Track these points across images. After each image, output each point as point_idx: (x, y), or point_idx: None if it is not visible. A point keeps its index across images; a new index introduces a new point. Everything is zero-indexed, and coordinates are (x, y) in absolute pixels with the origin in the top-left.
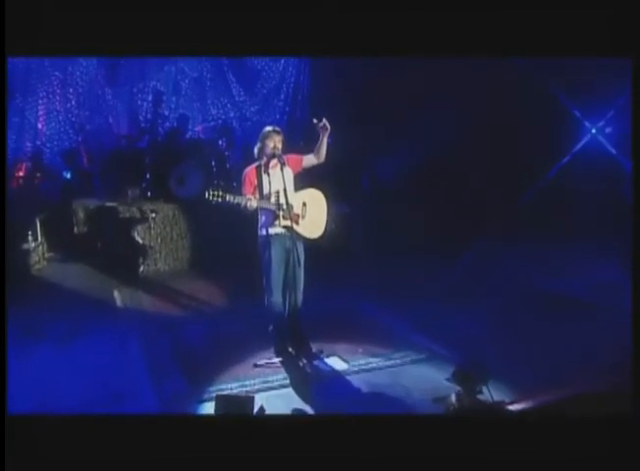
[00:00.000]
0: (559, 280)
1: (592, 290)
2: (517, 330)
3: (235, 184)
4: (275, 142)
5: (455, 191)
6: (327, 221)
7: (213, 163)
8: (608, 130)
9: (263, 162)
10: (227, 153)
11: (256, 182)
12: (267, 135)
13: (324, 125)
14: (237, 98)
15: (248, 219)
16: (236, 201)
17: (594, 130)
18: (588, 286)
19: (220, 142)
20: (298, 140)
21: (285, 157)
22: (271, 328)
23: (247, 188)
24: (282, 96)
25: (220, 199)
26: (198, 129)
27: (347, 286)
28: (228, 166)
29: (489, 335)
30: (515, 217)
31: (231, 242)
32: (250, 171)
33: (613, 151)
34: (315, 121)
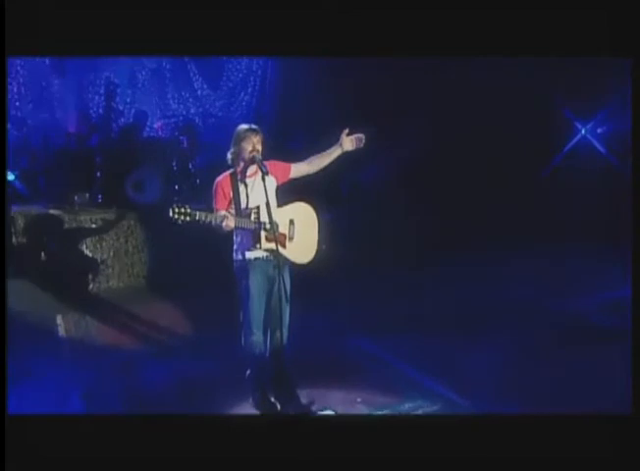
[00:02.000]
0: (574, 299)
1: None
2: (540, 364)
3: (200, 189)
4: (253, 144)
5: (444, 197)
6: (319, 241)
7: (174, 164)
8: (599, 130)
9: (239, 169)
10: (190, 153)
11: (231, 194)
12: (243, 136)
13: (359, 139)
14: (199, 92)
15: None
16: (208, 220)
17: (583, 131)
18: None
19: (182, 141)
20: (266, 138)
21: (267, 164)
22: (249, 373)
23: (220, 202)
24: (249, 90)
25: (188, 218)
26: (157, 125)
27: (341, 319)
28: (191, 167)
29: (507, 373)
30: (512, 225)
31: (200, 257)
32: (224, 180)
33: (604, 152)
34: (347, 130)
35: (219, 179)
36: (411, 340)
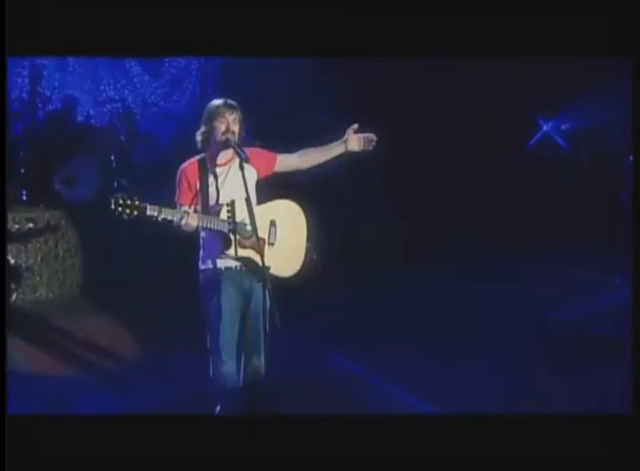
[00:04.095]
0: (570, 307)
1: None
2: (539, 366)
3: (142, 184)
4: (228, 124)
5: (429, 201)
6: (307, 249)
7: (111, 156)
8: (564, 126)
9: (209, 154)
10: (129, 145)
11: (198, 185)
12: (215, 113)
13: (369, 140)
14: (137, 79)
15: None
16: (162, 216)
17: (545, 128)
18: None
19: (119, 131)
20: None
21: (248, 151)
22: (218, 409)
23: (184, 195)
24: (192, 78)
25: (136, 213)
26: (90, 113)
27: (333, 343)
28: (130, 160)
29: (507, 381)
30: (495, 230)
31: (153, 264)
32: (189, 167)
33: (568, 148)
34: (356, 126)
35: (184, 165)
36: (410, 360)
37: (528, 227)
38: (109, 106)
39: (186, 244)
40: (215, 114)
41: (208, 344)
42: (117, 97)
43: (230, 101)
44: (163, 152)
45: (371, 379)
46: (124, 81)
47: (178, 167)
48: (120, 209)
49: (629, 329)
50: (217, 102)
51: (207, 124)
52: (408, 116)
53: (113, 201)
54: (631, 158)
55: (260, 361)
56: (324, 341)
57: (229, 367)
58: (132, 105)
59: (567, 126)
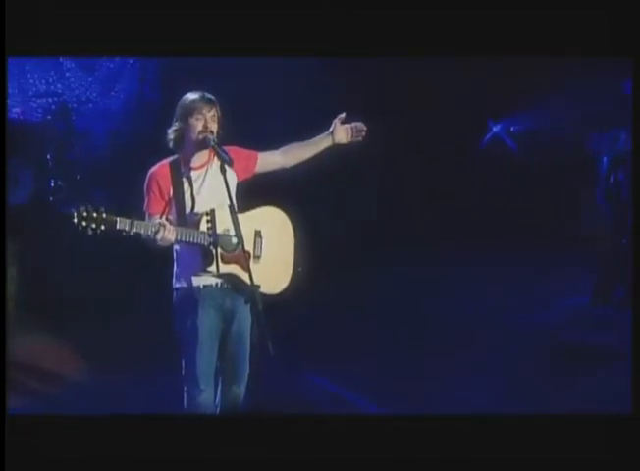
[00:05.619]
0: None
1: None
2: (538, 367)
3: (82, 186)
4: (206, 121)
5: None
6: (295, 261)
7: (47, 155)
8: (512, 128)
9: (182, 156)
10: (66, 142)
11: (171, 191)
12: (191, 109)
13: (358, 129)
14: (69, 73)
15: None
16: (134, 230)
17: (495, 129)
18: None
19: (55, 128)
20: (148, 130)
21: (228, 150)
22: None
23: (155, 203)
24: (130, 73)
25: (103, 227)
26: (19, 109)
27: (320, 367)
28: (69, 159)
29: (503, 381)
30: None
31: (97, 271)
32: (160, 171)
33: (516, 150)
34: (343, 115)
35: (154, 169)
36: (410, 363)
37: (526, 227)
38: (40, 101)
39: (143, 252)
40: (191, 109)
41: (183, 371)
42: (49, 92)
43: (207, 95)
44: (99, 151)
45: (369, 392)
46: (56, 76)
47: (117, 167)
48: (84, 223)
49: (629, 329)
50: (193, 96)
51: (181, 120)
52: (403, 115)
53: (76, 214)
54: (606, 159)
55: (240, 390)
56: (316, 361)
57: (207, 396)
58: (66, 101)
59: (566, 125)
